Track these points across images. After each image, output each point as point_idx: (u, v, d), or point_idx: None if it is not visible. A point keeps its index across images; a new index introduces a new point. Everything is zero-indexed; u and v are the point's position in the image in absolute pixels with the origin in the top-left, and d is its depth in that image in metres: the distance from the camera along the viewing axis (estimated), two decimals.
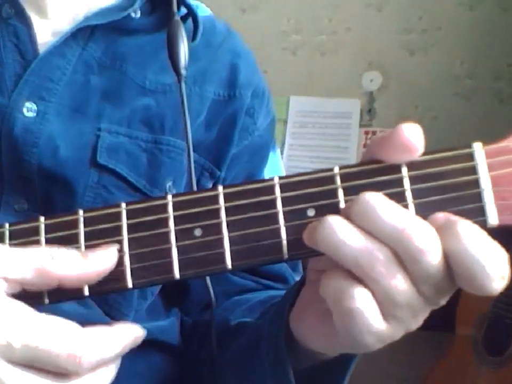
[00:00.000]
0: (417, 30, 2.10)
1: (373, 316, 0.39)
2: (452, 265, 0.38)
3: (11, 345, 0.38)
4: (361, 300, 0.39)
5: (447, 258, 0.38)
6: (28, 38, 0.63)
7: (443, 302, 0.41)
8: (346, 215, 0.40)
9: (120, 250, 0.43)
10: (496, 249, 0.38)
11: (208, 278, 0.62)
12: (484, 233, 0.38)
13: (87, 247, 0.44)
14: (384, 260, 0.39)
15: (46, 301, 0.43)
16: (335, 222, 0.39)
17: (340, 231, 0.39)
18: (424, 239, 0.38)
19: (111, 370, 0.43)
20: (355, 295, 0.39)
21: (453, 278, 0.39)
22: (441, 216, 0.40)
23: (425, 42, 2.10)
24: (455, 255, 0.38)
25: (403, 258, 0.39)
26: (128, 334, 0.43)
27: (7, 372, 0.39)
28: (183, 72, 0.62)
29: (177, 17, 0.64)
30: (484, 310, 1.63)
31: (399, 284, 0.39)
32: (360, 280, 0.39)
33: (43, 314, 0.41)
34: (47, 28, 0.65)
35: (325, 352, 0.48)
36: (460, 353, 1.69)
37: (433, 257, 0.38)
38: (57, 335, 0.39)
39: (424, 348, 1.59)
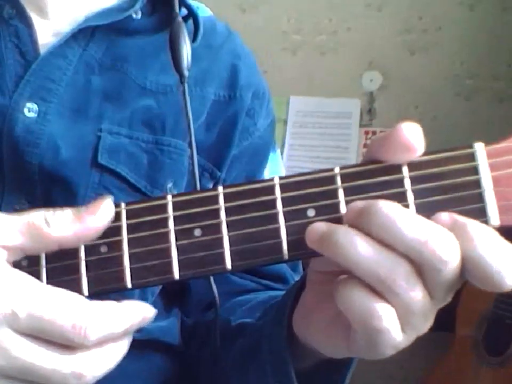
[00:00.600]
0: (417, 30, 2.10)
1: (395, 331, 0.39)
2: (467, 268, 0.38)
3: (16, 314, 0.39)
4: (388, 319, 0.39)
5: (462, 261, 0.38)
6: (29, 38, 0.63)
7: (450, 298, 0.41)
8: (362, 226, 0.39)
9: (120, 251, 0.43)
10: (508, 248, 0.38)
11: (212, 278, 0.62)
12: (496, 234, 0.38)
13: (87, 247, 0.44)
14: (405, 273, 0.38)
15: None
16: (353, 236, 0.39)
17: (359, 246, 0.39)
18: (447, 249, 0.38)
19: (121, 347, 0.42)
20: (382, 315, 0.39)
21: (464, 276, 0.39)
22: (446, 217, 0.39)
23: (425, 42, 2.10)
24: (472, 259, 0.38)
25: (423, 269, 0.38)
26: (136, 311, 0.42)
27: (12, 340, 0.39)
28: (185, 73, 0.62)
29: (180, 18, 0.64)
30: (484, 310, 1.63)
31: (418, 295, 0.39)
32: (381, 295, 0.39)
33: (48, 285, 0.41)
34: (48, 29, 0.65)
35: (332, 355, 0.47)
36: (460, 353, 1.69)
37: (453, 266, 0.38)
38: (61, 305, 0.39)
39: (424, 348, 1.59)
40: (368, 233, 0.39)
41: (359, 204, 0.40)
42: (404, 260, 0.38)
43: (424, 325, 0.41)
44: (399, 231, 0.38)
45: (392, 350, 0.41)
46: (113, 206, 0.43)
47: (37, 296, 0.39)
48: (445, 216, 0.39)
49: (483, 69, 2.05)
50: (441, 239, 0.38)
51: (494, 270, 0.37)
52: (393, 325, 0.39)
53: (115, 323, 0.41)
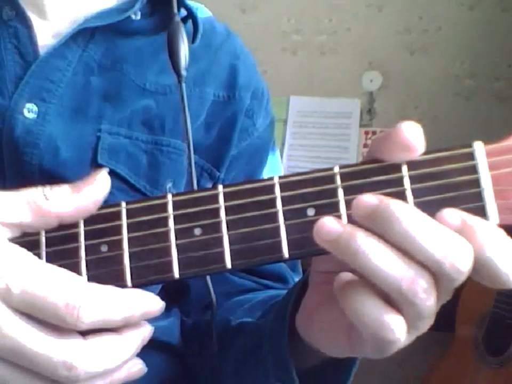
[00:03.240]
0: (417, 30, 2.10)
1: (403, 336, 0.39)
2: (475, 268, 0.38)
3: (10, 290, 0.38)
4: (400, 331, 0.39)
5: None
6: (28, 39, 0.63)
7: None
8: (378, 229, 0.38)
9: (121, 249, 0.43)
10: None
11: (208, 279, 0.62)
12: (503, 233, 0.38)
13: (87, 246, 0.44)
14: (427, 286, 0.38)
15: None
16: (375, 245, 0.38)
17: (384, 258, 0.38)
18: (465, 261, 0.37)
19: (121, 345, 0.40)
20: (394, 328, 0.38)
21: (471, 275, 0.39)
22: (455, 217, 0.39)
23: (425, 42, 2.10)
24: (480, 261, 0.38)
25: (441, 279, 0.38)
26: (139, 299, 0.41)
27: (5, 316, 0.38)
28: (183, 73, 0.62)
29: (177, 18, 0.64)
30: (484, 310, 1.63)
31: (431, 303, 0.39)
32: (394, 304, 0.39)
33: (44, 262, 0.40)
34: (48, 30, 0.65)
35: (335, 355, 0.47)
36: (460, 353, 1.68)
37: (467, 273, 0.38)
38: (56, 283, 0.39)
39: (424, 348, 1.59)
40: (383, 236, 0.38)
41: (370, 199, 0.39)
42: (425, 272, 0.38)
43: (428, 324, 0.41)
44: (421, 242, 0.37)
45: (395, 349, 0.41)
46: (108, 176, 0.43)
47: (32, 273, 0.39)
48: (452, 215, 0.39)
49: (483, 69, 2.05)
50: (461, 252, 0.37)
51: (503, 272, 0.37)
52: (404, 335, 0.39)
53: (112, 308, 0.39)
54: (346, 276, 0.42)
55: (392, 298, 0.39)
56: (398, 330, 0.39)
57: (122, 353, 0.41)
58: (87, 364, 0.39)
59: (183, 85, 0.61)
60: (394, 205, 0.38)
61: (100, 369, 0.39)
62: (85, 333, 0.40)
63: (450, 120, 2.06)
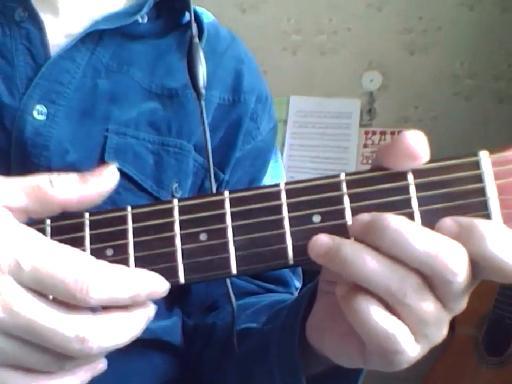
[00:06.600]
0: (417, 30, 2.10)
1: (409, 345, 0.40)
2: (482, 267, 0.38)
3: (20, 266, 0.38)
4: (405, 342, 0.39)
5: (475, 264, 0.38)
6: (40, 41, 0.63)
7: (464, 305, 0.41)
8: (371, 240, 0.39)
9: (126, 254, 0.43)
10: None
11: (229, 284, 0.62)
12: (502, 226, 0.38)
13: (92, 250, 0.44)
14: (416, 285, 0.38)
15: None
16: (361, 252, 0.39)
17: (369, 262, 0.38)
18: (457, 261, 0.38)
19: (131, 321, 0.41)
20: (399, 338, 0.39)
21: (478, 277, 0.39)
22: (450, 223, 0.39)
23: (425, 42, 2.10)
24: (484, 258, 0.38)
25: (435, 282, 0.38)
26: (145, 279, 0.41)
27: (15, 292, 0.38)
28: (202, 91, 0.63)
29: (196, 40, 0.65)
30: (484, 310, 1.63)
31: (430, 306, 0.39)
32: (391, 307, 0.39)
33: (55, 242, 0.40)
34: (59, 29, 0.66)
35: (346, 366, 0.47)
36: (460, 353, 1.69)
37: (464, 276, 0.38)
38: (65, 260, 0.39)
39: None
40: (377, 248, 0.39)
41: (365, 216, 0.40)
42: (413, 273, 0.38)
43: (439, 334, 0.41)
44: (410, 247, 0.38)
45: (407, 364, 0.41)
46: (117, 171, 0.43)
47: (42, 250, 0.39)
48: (448, 222, 0.39)
49: (483, 69, 2.05)
50: (451, 252, 0.38)
51: (509, 265, 0.37)
52: (409, 344, 0.39)
53: (120, 286, 0.39)
54: (347, 285, 0.42)
55: (389, 304, 0.39)
56: (402, 341, 0.39)
57: (131, 329, 0.41)
58: (99, 337, 0.39)
59: (203, 103, 0.63)
60: (384, 217, 0.39)
61: (111, 343, 0.40)
62: (94, 311, 0.40)
63: (450, 120, 2.06)
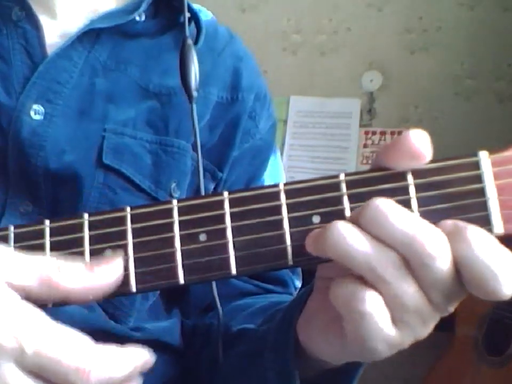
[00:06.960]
0: (417, 30, 2.10)
1: (382, 319, 0.40)
2: (462, 271, 0.38)
3: (23, 350, 0.38)
4: (372, 303, 0.39)
5: (457, 265, 0.38)
6: (37, 40, 0.63)
7: (451, 309, 0.41)
8: (355, 221, 0.40)
9: (126, 255, 0.43)
10: (507, 255, 0.38)
11: (214, 286, 0.62)
12: (494, 239, 0.38)
13: (91, 251, 0.44)
14: (396, 263, 0.39)
15: (50, 304, 0.43)
16: (344, 228, 0.39)
17: (349, 237, 0.39)
18: (434, 244, 0.38)
19: None
20: (366, 298, 0.39)
21: (462, 284, 0.39)
22: (449, 222, 0.40)
23: (425, 42, 2.10)
24: (466, 261, 0.38)
25: (412, 263, 0.39)
26: (138, 356, 0.42)
27: (16, 377, 0.38)
28: (194, 93, 0.63)
29: (189, 41, 0.65)
30: (484, 310, 1.63)
31: (409, 288, 0.39)
32: (370, 285, 0.39)
33: (57, 324, 0.40)
34: (56, 29, 0.66)
35: (331, 360, 0.48)
36: (460, 353, 1.69)
37: (442, 262, 0.38)
38: (68, 346, 0.39)
39: (424, 348, 1.59)
40: (361, 227, 0.40)
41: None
42: (393, 252, 0.39)
43: (422, 328, 0.41)
44: (389, 224, 0.39)
45: (382, 345, 0.41)
46: (122, 262, 0.43)
47: (45, 334, 0.39)
48: (448, 221, 0.40)
49: (483, 69, 2.05)
50: (429, 234, 0.38)
51: (490, 275, 0.37)
52: (378, 311, 0.39)
53: (118, 368, 0.40)
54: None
55: (369, 280, 0.39)
56: (368, 301, 0.39)
57: None
58: None
59: (194, 106, 0.63)
60: (372, 199, 0.40)
61: None
62: None
63: (450, 120, 2.06)
